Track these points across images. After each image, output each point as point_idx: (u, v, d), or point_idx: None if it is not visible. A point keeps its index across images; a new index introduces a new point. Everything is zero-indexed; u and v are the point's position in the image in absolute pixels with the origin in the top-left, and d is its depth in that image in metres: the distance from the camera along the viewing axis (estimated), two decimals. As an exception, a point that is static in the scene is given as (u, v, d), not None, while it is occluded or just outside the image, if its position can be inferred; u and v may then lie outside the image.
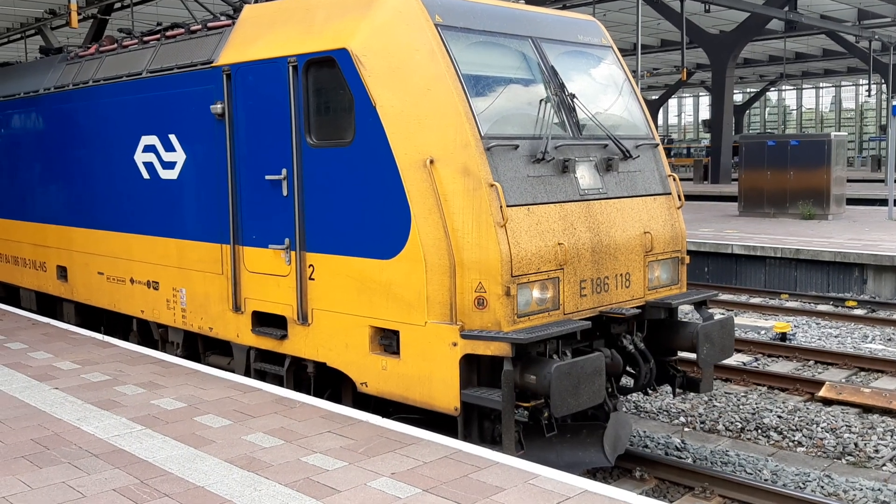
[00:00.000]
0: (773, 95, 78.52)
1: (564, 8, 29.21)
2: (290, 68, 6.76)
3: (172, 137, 8.22)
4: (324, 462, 5.20)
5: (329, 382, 7.10)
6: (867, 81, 47.43)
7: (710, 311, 7.32)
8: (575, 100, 6.71)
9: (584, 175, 6.55)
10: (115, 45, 9.52)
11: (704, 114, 76.09)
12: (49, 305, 11.20)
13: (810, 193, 22.28)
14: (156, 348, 8.93)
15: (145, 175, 8.65)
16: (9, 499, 4.69)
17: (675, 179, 7.39)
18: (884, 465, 7.57)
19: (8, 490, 4.82)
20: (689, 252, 16.44)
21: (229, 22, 7.88)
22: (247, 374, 7.56)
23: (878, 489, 6.88)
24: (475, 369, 5.97)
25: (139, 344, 9.14)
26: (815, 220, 21.77)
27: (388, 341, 6.33)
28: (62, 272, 10.38)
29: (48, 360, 8.02)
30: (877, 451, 7.81)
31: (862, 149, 72.53)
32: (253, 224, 7.32)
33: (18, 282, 11.59)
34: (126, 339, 9.56)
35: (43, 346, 8.60)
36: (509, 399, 5.67)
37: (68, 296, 10.30)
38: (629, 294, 6.76)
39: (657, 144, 7.39)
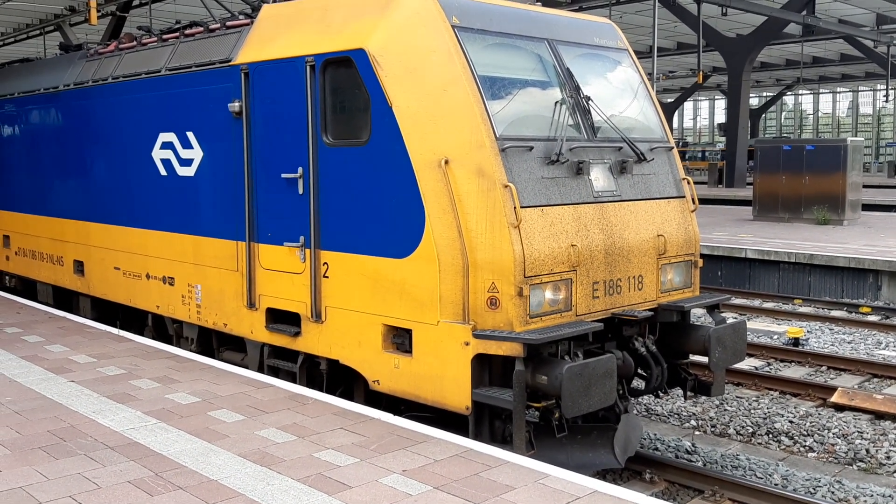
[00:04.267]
0: (789, 100, 78.10)
1: (580, 10, 29.20)
2: (308, 68, 6.81)
3: (190, 135, 8.29)
4: (336, 458, 5.25)
5: (341, 380, 7.15)
6: (885, 87, 47.11)
7: (722, 314, 7.32)
8: (590, 102, 6.73)
9: (599, 177, 6.57)
10: (135, 43, 9.61)
11: (720, 117, 75.81)
12: (65, 299, 11.31)
13: (825, 198, 22.17)
14: (170, 343, 9.01)
15: (162, 172, 8.73)
16: (25, 489, 4.77)
17: (689, 183, 7.40)
18: (895, 471, 7.55)
19: (25, 480, 4.89)
20: (702, 256, 16.42)
21: (248, 21, 7.95)
22: (260, 370, 7.62)
23: (889, 496, 6.87)
24: (487, 369, 6.00)
25: (154, 339, 9.22)
26: (829, 226, 21.67)
27: (400, 340, 6.37)
28: (79, 267, 10.48)
29: (64, 353, 8.11)
30: (888, 458, 7.79)
31: (878, 154, 72.08)
32: (268, 222, 7.38)
33: (36, 276, 11.71)
34: (141, 333, 9.65)
35: (59, 340, 8.70)
36: (520, 399, 5.70)
37: (85, 290, 10.40)
38: (642, 296, 6.78)
39: (672, 147, 7.40)
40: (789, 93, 70.25)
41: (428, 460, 5.22)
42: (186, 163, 8.37)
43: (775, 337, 12.42)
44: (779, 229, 20.83)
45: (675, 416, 9.04)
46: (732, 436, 8.48)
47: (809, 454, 8.02)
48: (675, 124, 74.86)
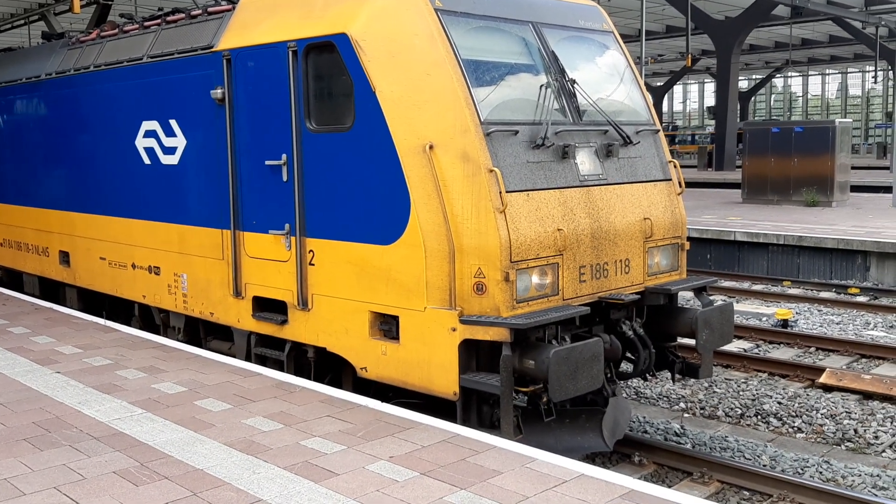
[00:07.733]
0: (778, 82, 78.17)
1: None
2: (290, 53, 6.75)
3: (173, 123, 8.22)
4: (323, 446, 5.23)
5: (329, 367, 7.12)
6: (874, 68, 47.15)
7: (710, 297, 7.32)
8: (575, 85, 6.69)
9: (584, 161, 6.54)
10: (117, 31, 9.51)
11: (709, 100, 75.86)
12: (52, 290, 11.24)
13: (814, 180, 22.20)
14: (157, 333, 8.96)
15: (146, 160, 8.66)
16: (10, 480, 4.73)
17: (675, 165, 7.38)
18: (883, 451, 7.58)
19: (9, 472, 4.86)
20: (691, 239, 16.43)
21: (230, 7, 7.86)
22: (247, 358, 7.59)
23: (877, 475, 6.90)
24: (474, 354, 5.98)
25: (141, 329, 9.17)
26: (818, 207, 21.72)
27: (387, 326, 6.35)
28: (64, 257, 10.41)
29: (50, 344, 8.05)
30: (876, 438, 7.83)
31: (868, 136, 72.29)
32: (253, 209, 7.33)
33: (21, 267, 11.63)
34: (128, 323, 9.60)
35: (45, 331, 8.64)
36: (508, 384, 5.69)
37: (71, 281, 10.33)
38: (629, 280, 6.76)
39: (658, 130, 7.38)
40: (778, 75, 70.25)
41: (415, 446, 5.20)
42: (170, 151, 8.30)
43: (764, 319, 12.45)
44: (768, 211, 20.87)
45: (664, 398, 9.06)
46: (721, 418, 8.51)
47: (798, 435, 8.05)
48: (665, 108, 74.79)
